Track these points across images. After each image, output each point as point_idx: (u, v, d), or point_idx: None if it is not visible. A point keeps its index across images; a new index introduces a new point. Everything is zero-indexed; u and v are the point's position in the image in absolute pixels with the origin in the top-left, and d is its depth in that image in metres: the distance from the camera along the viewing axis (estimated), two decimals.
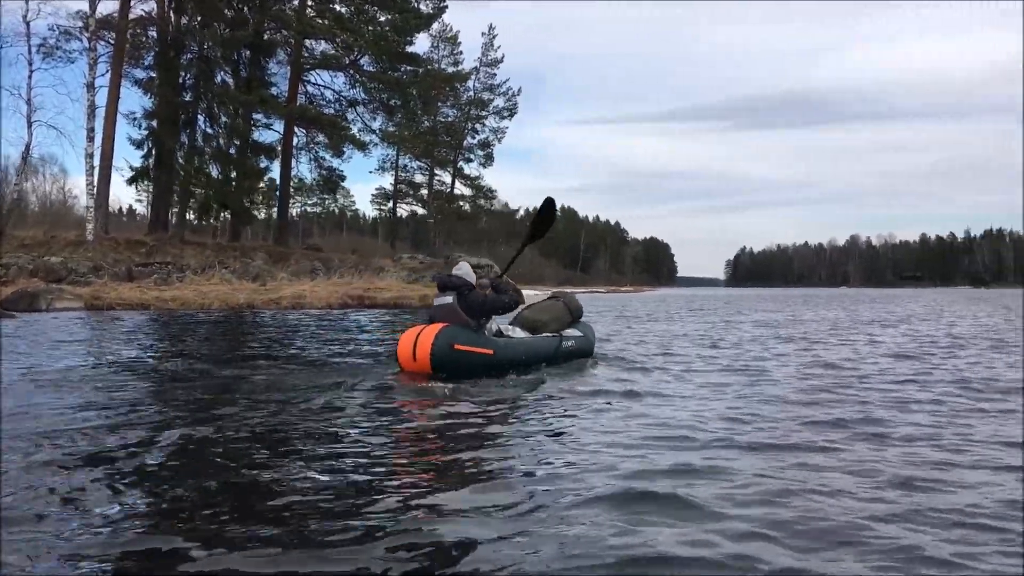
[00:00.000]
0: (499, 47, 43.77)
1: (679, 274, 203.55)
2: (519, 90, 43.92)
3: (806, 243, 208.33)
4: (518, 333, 8.59)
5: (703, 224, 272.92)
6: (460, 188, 44.44)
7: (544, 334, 8.79)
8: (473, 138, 43.61)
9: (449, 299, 8.01)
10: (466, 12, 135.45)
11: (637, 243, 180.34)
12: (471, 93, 43.53)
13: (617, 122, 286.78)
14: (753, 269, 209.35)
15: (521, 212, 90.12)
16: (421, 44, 43.51)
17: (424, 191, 43.70)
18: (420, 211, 45.13)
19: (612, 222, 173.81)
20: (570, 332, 9.19)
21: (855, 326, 18.01)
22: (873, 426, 5.24)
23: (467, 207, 45.31)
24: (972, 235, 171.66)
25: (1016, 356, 10.35)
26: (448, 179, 43.87)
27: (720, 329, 16.47)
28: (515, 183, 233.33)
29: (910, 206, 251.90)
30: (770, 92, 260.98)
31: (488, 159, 43.74)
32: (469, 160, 43.97)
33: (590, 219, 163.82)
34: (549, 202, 9.59)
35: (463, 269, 8.30)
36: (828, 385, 7.35)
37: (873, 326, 18.07)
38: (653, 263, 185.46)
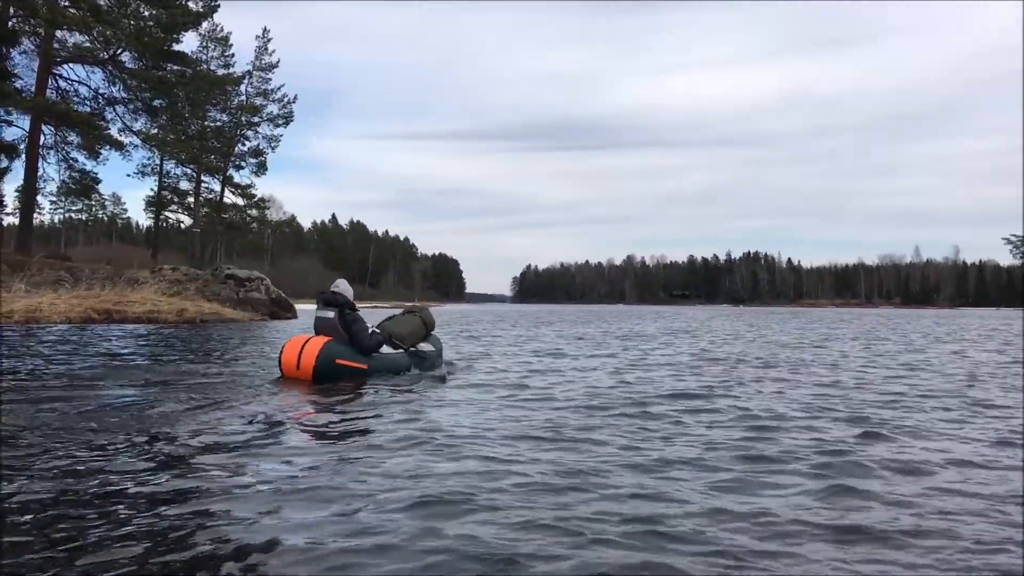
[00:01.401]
0: (274, 51, 42.18)
1: (468, 290, 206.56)
2: (295, 97, 42.28)
3: (587, 262, 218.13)
4: (384, 348, 9.43)
5: (490, 241, 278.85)
6: (231, 197, 42.12)
7: (402, 350, 9.70)
8: (244, 145, 41.49)
9: (331, 314, 9.01)
10: (251, 14, 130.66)
11: (427, 259, 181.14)
12: (243, 98, 41.51)
13: (409, 138, 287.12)
14: (538, 286, 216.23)
15: (309, 226, 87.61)
16: (189, 43, 41.17)
17: (191, 199, 41.00)
18: (186, 220, 42.33)
19: (402, 237, 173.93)
20: (424, 346, 10.18)
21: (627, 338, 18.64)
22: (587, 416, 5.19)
23: (238, 218, 42.89)
24: (733, 257, 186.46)
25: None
26: (217, 187, 41.46)
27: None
28: (305, 196, 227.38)
29: (679, 229, 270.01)
30: (553, 116, 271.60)
31: (261, 167, 41.63)
32: (240, 168, 41.75)
33: (380, 234, 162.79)
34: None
35: (341, 287, 9.35)
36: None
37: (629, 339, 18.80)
38: (442, 279, 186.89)
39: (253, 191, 42.02)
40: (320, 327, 9.05)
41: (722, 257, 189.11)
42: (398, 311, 11.32)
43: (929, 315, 74.27)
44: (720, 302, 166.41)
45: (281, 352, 8.80)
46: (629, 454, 4.90)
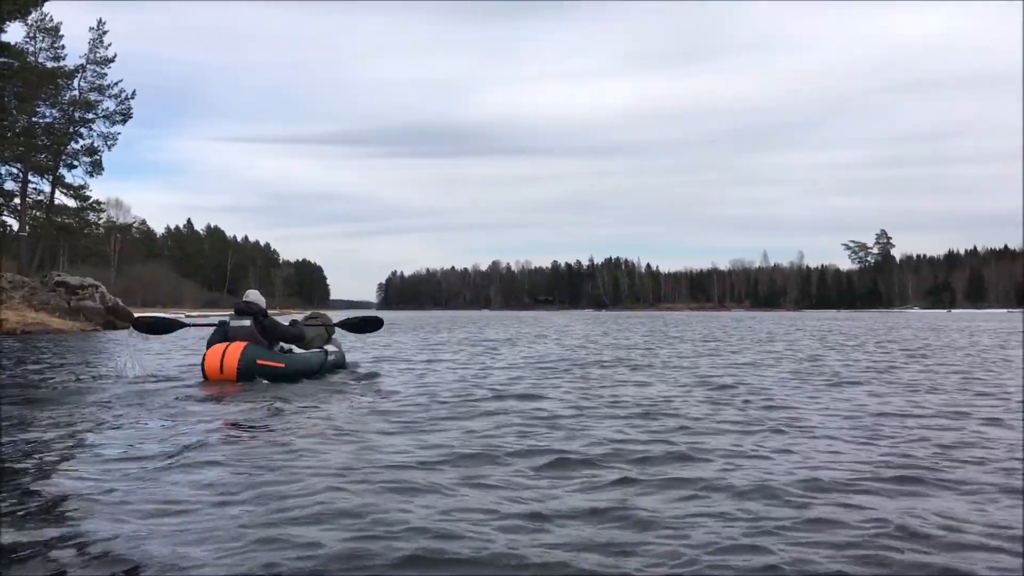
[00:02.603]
0: (110, 44, 39.55)
1: (332, 297, 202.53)
2: (133, 93, 39.75)
3: (453, 267, 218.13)
4: (296, 349, 10.41)
5: (356, 247, 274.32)
6: (62, 199, 39.17)
7: (314, 350, 10.82)
8: (77, 143, 38.79)
9: (247, 322, 9.92)
10: (99, 10, 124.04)
11: (289, 265, 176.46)
12: (76, 93, 38.85)
13: (272, 141, 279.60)
14: (404, 292, 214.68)
15: (162, 231, 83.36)
16: (15, 34, 38.30)
17: (17, 201, 37.93)
18: (13, 224, 39.13)
19: (263, 243, 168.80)
20: (331, 347, 11.34)
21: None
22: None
23: (72, 221, 40.06)
24: (595, 263, 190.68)
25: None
26: (47, 188, 38.48)
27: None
28: (159, 200, 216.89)
29: (544, 235, 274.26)
30: (419, 122, 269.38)
31: (96, 167, 38.95)
32: (73, 167, 39.00)
33: (239, 239, 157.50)
34: (375, 320, 12.51)
35: (252, 297, 10.35)
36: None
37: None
38: (306, 285, 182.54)
39: (87, 192, 39.36)
40: (235, 335, 9.89)
41: (585, 263, 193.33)
42: (299, 316, 12.31)
43: (770, 317, 78.17)
44: (583, 307, 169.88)
45: (204, 358, 9.64)
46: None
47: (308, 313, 12.48)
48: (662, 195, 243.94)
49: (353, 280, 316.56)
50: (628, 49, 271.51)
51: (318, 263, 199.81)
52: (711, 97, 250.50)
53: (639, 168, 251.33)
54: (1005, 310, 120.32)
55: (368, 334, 14.05)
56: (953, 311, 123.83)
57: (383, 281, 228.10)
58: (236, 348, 9.51)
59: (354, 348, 16.24)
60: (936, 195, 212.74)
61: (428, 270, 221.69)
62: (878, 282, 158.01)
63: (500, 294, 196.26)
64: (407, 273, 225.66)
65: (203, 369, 9.61)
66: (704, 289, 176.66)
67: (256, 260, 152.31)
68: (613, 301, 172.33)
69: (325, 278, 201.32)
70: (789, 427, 6.36)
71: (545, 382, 10.03)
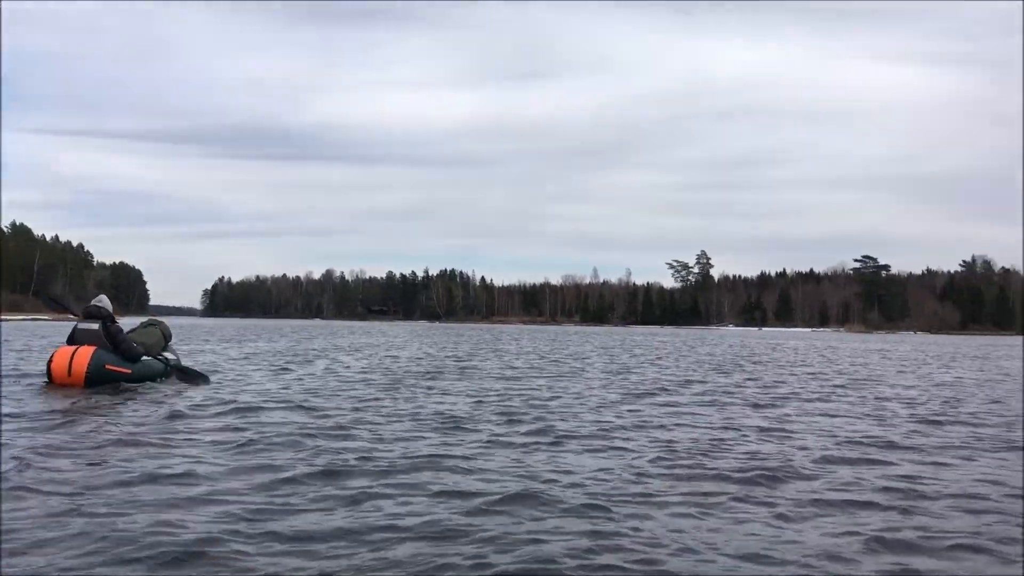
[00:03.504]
0: None
1: (152, 303, 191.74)
2: None
3: (284, 275, 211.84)
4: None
5: (179, 251, 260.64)
6: None
7: (155, 356, 11.06)
8: None
9: (95, 326, 10.12)
10: None
11: (105, 267, 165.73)
12: None
13: (88, 135, 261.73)
14: (231, 299, 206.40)
15: None
16: None
17: None
18: None
19: (75, 243, 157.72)
20: (169, 355, 11.53)
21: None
22: None
23: None
24: (430, 274, 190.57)
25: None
26: None
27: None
28: None
29: (379, 244, 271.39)
30: (251, 123, 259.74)
31: None
32: None
33: (48, 239, 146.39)
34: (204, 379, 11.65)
35: (104, 301, 10.58)
36: None
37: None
38: (123, 290, 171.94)
39: None
40: (83, 338, 10.11)
41: (420, 274, 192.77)
42: (136, 323, 12.33)
43: (600, 331, 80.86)
44: (417, 318, 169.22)
45: (50, 361, 9.81)
46: None
47: (146, 320, 12.46)
48: (498, 208, 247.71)
49: (176, 285, 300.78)
50: (470, 62, 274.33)
51: (137, 266, 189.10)
52: (549, 114, 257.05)
53: (476, 180, 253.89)
54: (809, 329, 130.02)
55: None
56: (764, 329, 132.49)
57: (208, 287, 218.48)
58: (85, 352, 9.72)
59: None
60: (750, 219, 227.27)
61: (258, 277, 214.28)
62: (698, 300, 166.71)
63: (333, 303, 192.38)
64: (235, 279, 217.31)
65: (49, 372, 9.83)
66: (536, 303, 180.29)
67: (67, 261, 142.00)
68: (447, 313, 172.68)
69: (145, 282, 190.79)
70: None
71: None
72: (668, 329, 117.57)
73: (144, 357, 10.65)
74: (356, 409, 8.91)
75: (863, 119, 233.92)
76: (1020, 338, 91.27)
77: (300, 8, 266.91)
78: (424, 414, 8.62)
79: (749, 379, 15.38)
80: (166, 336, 11.68)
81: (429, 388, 11.83)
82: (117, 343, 10.22)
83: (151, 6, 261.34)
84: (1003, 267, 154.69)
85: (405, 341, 35.42)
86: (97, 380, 9.65)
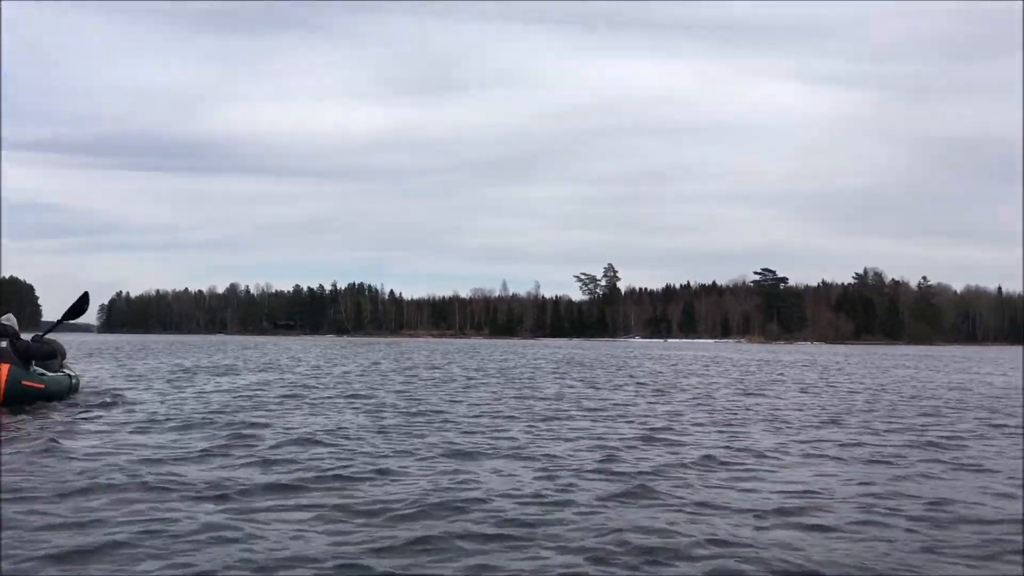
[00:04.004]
0: None
1: (45, 318, 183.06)
2: None
3: (186, 289, 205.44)
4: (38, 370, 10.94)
5: (74, 264, 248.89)
6: None
7: (63, 373, 11.57)
8: None
9: (3, 344, 10.22)
10: None
11: None
12: None
13: None
14: (129, 314, 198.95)
15: None
16: None
17: None
18: None
19: None
20: (71, 371, 12.04)
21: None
22: None
23: None
24: (338, 287, 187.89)
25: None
26: None
27: None
28: None
29: (286, 257, 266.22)
30: (150, 133, 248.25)
31: None
32: None
33: None
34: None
35: (11, 320, 10.71)
36: None
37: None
38: (13, 306, 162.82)
39: None
40: None
41: (328, 287, 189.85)
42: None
43: (510, 344, 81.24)
44: (325, 332, 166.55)
45: None
46: None
47: (33, 336, 12.11)
48: (408, 222, 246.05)
49: (70, 300, 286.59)
50: (376, 75, 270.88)
51: (28, 280, 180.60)
52: (457, 128, 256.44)
53: (385, 193, 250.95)
54: (712, 340, 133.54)
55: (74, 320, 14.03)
56: (669, 340, 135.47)
57: (105, 303, 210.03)
58: (1, 370, 9.83)
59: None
60: (656, 233, 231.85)
61: (158, 291, 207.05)
62: (605, 312, 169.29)
63: (237, 318, 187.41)
64: (133, 294, 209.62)
65: None
66: (446, 316, 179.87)
67: None
68: (355, 327, 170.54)
69: (37, 297, 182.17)
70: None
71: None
72: (575, 341, 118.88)
73: (50, 373, 11.05)
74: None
75: (765, 136, 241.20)
76: (908, 347, 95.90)
77: (200, 16, 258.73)
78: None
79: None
80: (62, 353, 11.73)
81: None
82: (31, 355, 10.60)
83: (40, 7, 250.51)
84: (893, 279, 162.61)
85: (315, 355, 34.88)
86: (14, 397, 9.82)
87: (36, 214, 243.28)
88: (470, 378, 19.66)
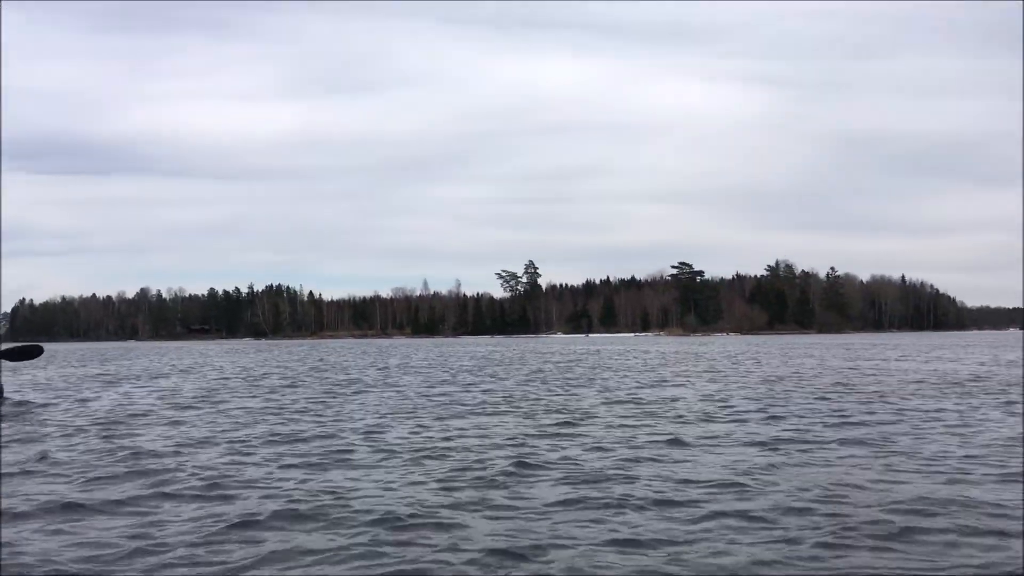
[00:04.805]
0: None
1: None
2: None
3: (94, 295, 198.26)
4: None
5: None
6: None
7: None
8: None
9: None
10: None
11: None
12: None
13: None
14: (34, 322, 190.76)
15: None
16: None
17: None
18: None
19: None
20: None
21: None
22: None
23: None
24: (255, 290, 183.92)
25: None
26: None
27: None
28: None
29: (199, 261, 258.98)
30: (48, 136, 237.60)
31: None
32: None
33: None
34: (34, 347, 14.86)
35: None
36: None
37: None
38: None
39: None
40: None
41: (244, 290, 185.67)
42: None
43: (427, 343, 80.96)
44: (242, 335, 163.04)
45: None
46: None
47: None
48: (325, 222, 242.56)
49: None
50: (287, 75, 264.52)
51: None
52: (373, 128, 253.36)
53: (300, 194, 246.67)
54: (632, 334, 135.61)
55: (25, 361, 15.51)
56: (590, 335, 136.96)
57: (7, 311, 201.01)
58: None
59: None
60: (575, 230, 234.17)
61: (64, 298, 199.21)
62: (527, 309, 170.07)
63: (149, 323, 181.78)
64: (38, 301, 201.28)
65: None
66: (367, 316, 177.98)
67: None
68: (274, 329, 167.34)
69: None
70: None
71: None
72: (497, 338, 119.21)
73: None
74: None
75: (677, 133, 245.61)
76: (819, 336, 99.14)
77: (100, 15, 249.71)
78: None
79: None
80: None
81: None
82: None
83: None
84: (803, 270, 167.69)
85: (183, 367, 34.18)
86: None
87: None
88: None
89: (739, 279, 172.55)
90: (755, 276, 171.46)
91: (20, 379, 21.21)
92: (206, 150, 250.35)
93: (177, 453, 8.01)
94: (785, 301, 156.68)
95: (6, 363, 14.19)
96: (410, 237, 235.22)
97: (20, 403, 13.38)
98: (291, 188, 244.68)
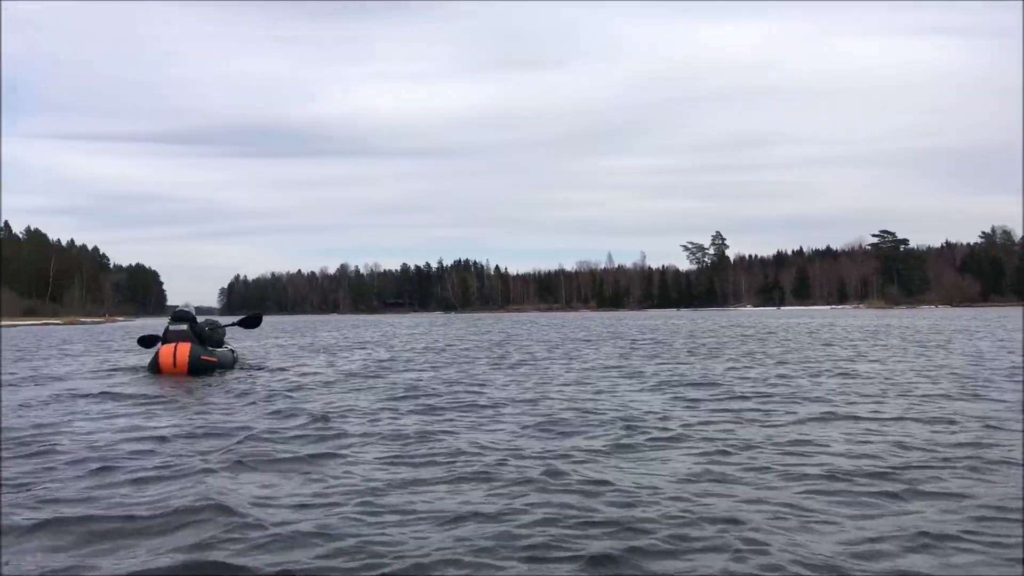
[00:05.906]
0: None
1: (170, 303, 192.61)
2: None
3: (299, 271, 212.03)
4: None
5: (194, 251, 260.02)
6: None
7: (224, 349, 14.09)
8: None
9: (184, 327, 12.95)
10: None
11: (121, 270, 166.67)
12: None
13: (101, 139, 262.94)
14: (248, 297, 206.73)
15: None
16: None
17: None
18: None
19: (91, 247, 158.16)
20: (232, 347, 14.72)
21: None
22: None
23: None
24: (444, 265, 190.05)
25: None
26: None
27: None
28: None
29: (391, 237, 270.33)
30: (253, 121, 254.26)
31: None
32: None
33: (63, 243, 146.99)
34: (257, 316, 17.56)
35: (190, 307, 13.66)
36: None
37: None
38: (140, 291, 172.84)
39: None
40: (174, 337, 12.85)
41: (434, 265, 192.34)
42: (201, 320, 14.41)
43: (613, 316, 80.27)
44: (433, 309, 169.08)
45: (158, 356, 12.62)
46: None
47: (203, 320, 14.56)
48: (507, 196, 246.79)
49: (192, 285, 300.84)
50: (463, 54, 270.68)
51: (153, 267, 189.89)
52: (549, 102, 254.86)
53: (483, 170, 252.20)
54: (828, 307, 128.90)
55: (251, 329, 17.66)
56: (782, 308, 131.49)
57: (225, 286, 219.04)
58: (185, 347, 12.52)
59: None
60: (764, 199, 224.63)
61: (273, 274, 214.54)
62: (714, 281, 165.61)
63: (349, 298, 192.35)
64: (251, 277, 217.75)
65: (157, 364, 12.52)
66: (552, 290, 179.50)
67: (83, 265, 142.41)
68: (462, 303, 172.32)
69: (161, 283, 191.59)
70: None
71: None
72: (684, 312, 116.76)
73: (219, 349, 13.70)
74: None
75: (869, 95, 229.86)
76: None
77: (288, 4, 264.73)
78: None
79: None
80: (222, 332, 14.81)
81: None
82: (205, 337, 13.27)
83: (134, 6, 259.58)
84: None
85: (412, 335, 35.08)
86: (197, 368, 12.42)
87: (160, 204, 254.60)
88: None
89: (948, 247, 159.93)
90: (967, 244, 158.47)
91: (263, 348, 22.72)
92: (391, 131, 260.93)
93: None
94: (1003, 269, 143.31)
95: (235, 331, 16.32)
96: (592, 210, 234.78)
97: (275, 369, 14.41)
98: (474, 164, 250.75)
